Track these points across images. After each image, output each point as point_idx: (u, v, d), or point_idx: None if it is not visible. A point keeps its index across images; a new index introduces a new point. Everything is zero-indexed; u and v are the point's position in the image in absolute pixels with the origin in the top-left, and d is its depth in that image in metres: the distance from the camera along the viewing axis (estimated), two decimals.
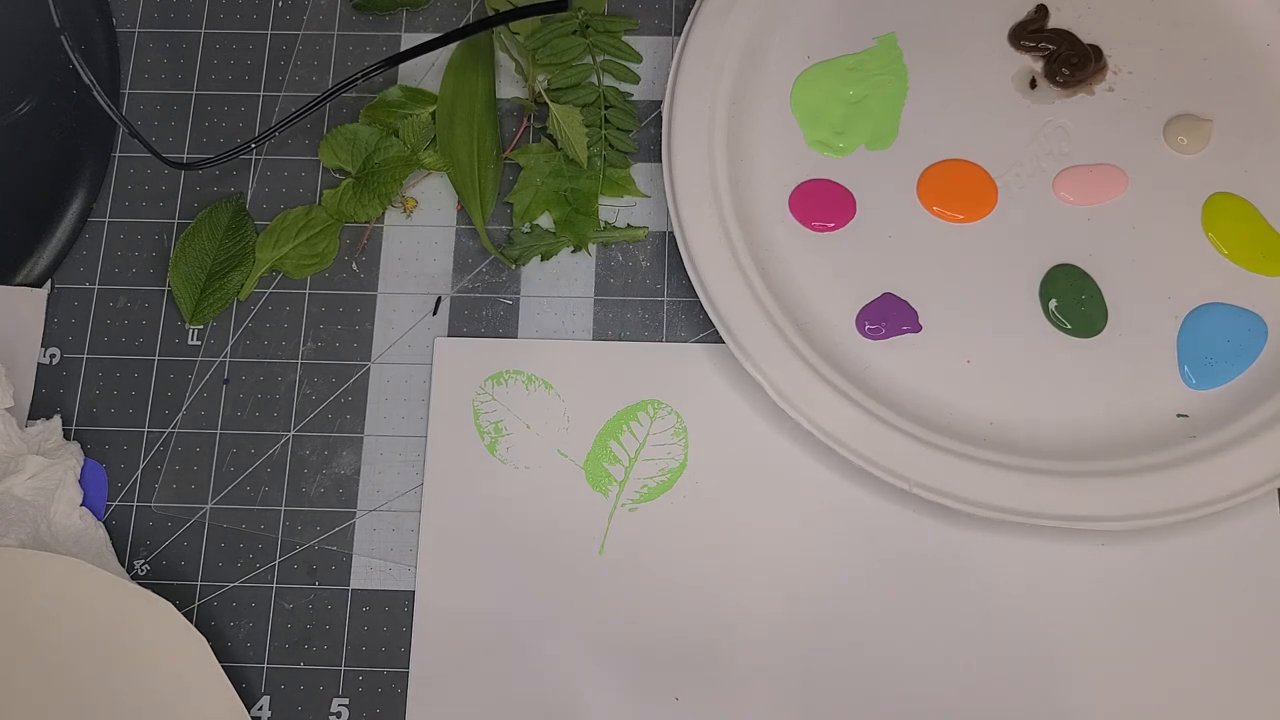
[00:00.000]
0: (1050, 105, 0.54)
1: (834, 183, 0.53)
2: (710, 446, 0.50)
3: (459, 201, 0.54)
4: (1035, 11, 0.55)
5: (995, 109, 0.54)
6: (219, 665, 0.46)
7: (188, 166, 0.53)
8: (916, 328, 0.51)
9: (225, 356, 0.53)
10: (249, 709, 0.47)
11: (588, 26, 0.55)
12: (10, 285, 0.53)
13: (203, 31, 0.57)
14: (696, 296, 0.51)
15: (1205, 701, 0.47)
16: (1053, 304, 0.51)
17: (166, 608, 0.46)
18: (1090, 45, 0.54)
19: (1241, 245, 0.52)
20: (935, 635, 0.48)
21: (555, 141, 0.54)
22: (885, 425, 0.48)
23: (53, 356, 0.53)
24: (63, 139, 0.55)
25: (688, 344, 0.52)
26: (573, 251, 0.54)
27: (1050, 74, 0.54)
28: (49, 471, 0.49)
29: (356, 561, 0.50)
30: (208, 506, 0.51)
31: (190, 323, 0.53)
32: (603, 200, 0.54)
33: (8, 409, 0.50)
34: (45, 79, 0.55)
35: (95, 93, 0.51)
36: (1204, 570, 0.48)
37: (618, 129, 0.54)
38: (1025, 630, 0.48)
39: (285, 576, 0.50)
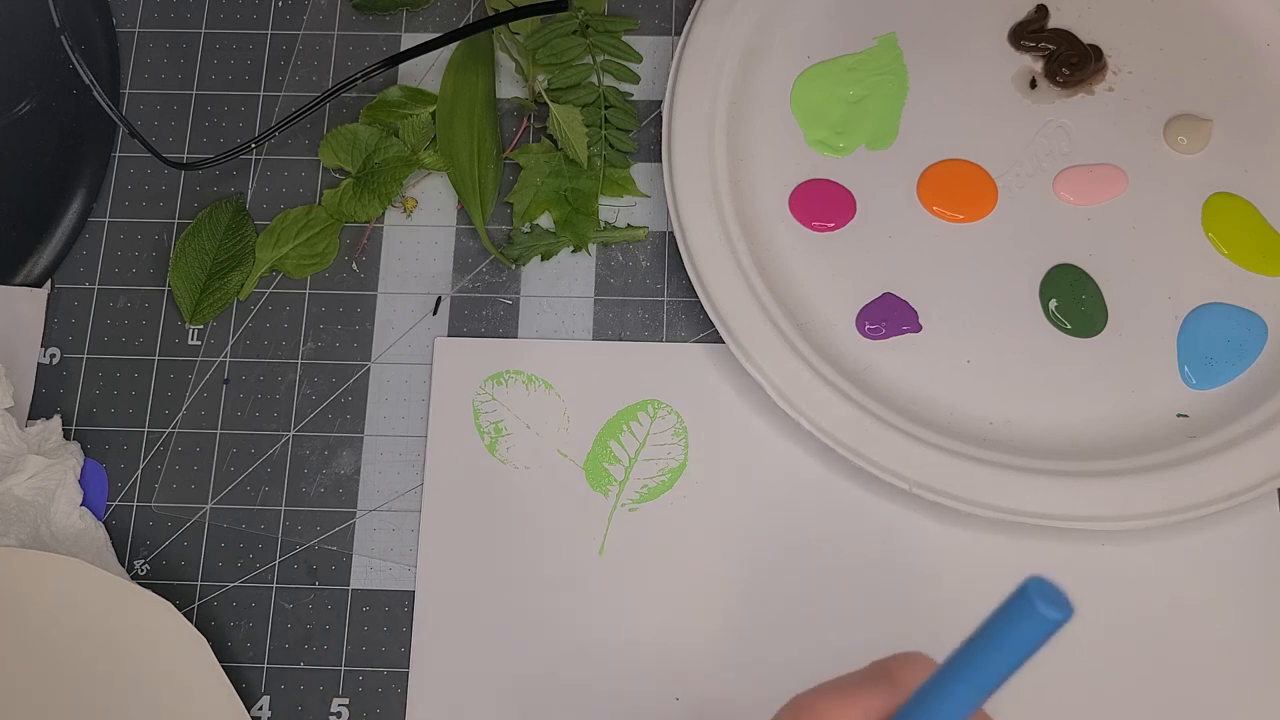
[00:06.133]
0: (1050, 105, 0.54)
1: (834, 183, 0.53)
2: (710, 446, 0.50)
3: (459, 201, 0.54)
4: (1035, 11, 0.55)
5: (995, 109, 0.54)
6: (219, 665, 0.46)
7: (188, 166, 0.53)
8: (916, 328, 0.51)
9: (225, 356, 0.53)
10: (249, 709, 0.47)
11: (588, 26, 0.55)
12: (10, 285, 0.53)
13: (203, 31, 0.57)
14: (696, 296, 0.51)
15: (1205, 702, 0.47)
16: (1053, 304, 0.51)
17: (166, 608, 0.46)
18: (1090, 45, 0.54)
19: (1241, 245, 0.52)
20: (935, 634, 0.48)
21: (555, 141, 0.54)
22: (885, 425, 0.48)
23: (53, 356, 0.53)
24: (63, 139, 0.55)
25: (688, 344, 0.52)
26: (573, 251, 0.54)
27: (1050, 74, 0.54)
28: (49, 471, 0.49)
29: (356, 561, 0.50)
30: (208, 506, 0.51)
31: (190, 323, 0.53)
32: (603, 200, 0.54)
33: (8, 409, 0.50)
34: (45, 79, 0.55)
35: (95, 93, 0.51)
36: (1204, 570, 0.48)
37: (618, 129, 0.54)
38: None
39: (285, 576, 0.50)
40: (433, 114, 0.55)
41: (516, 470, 0.50)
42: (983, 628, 0.27)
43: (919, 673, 0.29)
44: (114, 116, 0.52)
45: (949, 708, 0.27)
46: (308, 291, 0.53)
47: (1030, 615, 0.25)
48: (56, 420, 0.51)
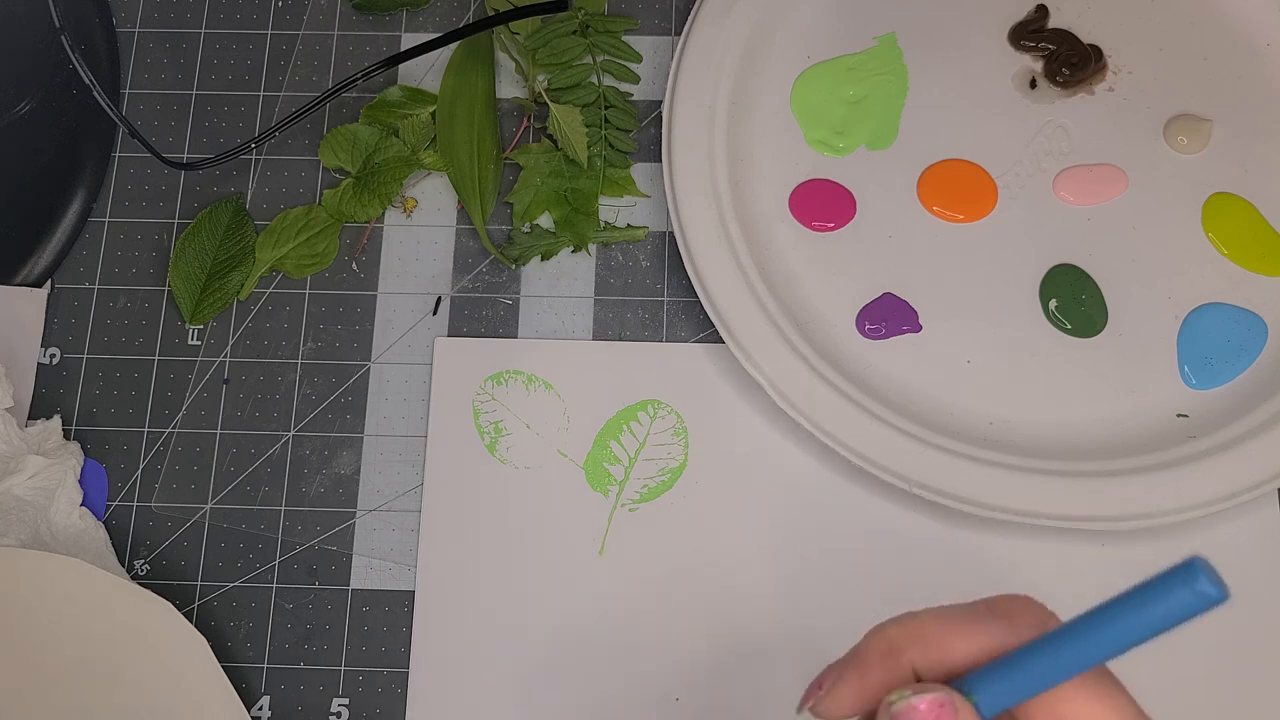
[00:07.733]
0: (1050, 105, 0.54)
1: (834, 183, 0.53)
2: (710, 446, 0.50)
3: (459, 201, 0.54)
4: (1035, 11, 0.55)
5: (995, 109, 0.54)
6: (219, 665, 0.46)
7: (188, 166, 0.53)
8: (916, 328, 0.51)
9: (225, 356, 0.53)
10: (249, 709, 0.47)
11: (588, 26, 0.55)
12: (10, 285, 0.53)
13: (203, 31, 0.57)
14: (696, 296, 0.51)
15: (1205, 702, 0.47)
16: (1053, 304, 0.51)
17: (166, 608, 0.46)
18: (1090, 45, 0.54)
19: (1241, 245, 0.52)
20: None
21: (555, 141, 0.54)
22: (885, 425, 0.48)
23: (53, 356, 0.53)
24: (63, 139, 0.55)
25: (688, 344, 0.52)
26: (573, 251, 0.54)
27: (1050, 74, 0.54)
28: (49, 471, 0.49)
29: (356, 561, 0.50)
30: (208, 506, 0.51)
31: (190, 323, 0.53)
32: (603, 200, 0.54)
33: (8, 409, 0.50)
34: (45, 79, 0.55)
35: (95, 93, 0.51)
36: None
37: (618, 129, 0.54)
38: None
39: (285, 576, 0.50)
40: (433, 114, 0.55)
41: (516, 470, 0.50)
42: (1136, 588, 0.27)
43: (1035, 615, 0.28)
44: (114, 116, 0.52)
45: (1079, 653, 0.27)
46: (308, 291, 0.53)
47: (1190, 586, 0.26)
48: (56, 420, 0.51)
